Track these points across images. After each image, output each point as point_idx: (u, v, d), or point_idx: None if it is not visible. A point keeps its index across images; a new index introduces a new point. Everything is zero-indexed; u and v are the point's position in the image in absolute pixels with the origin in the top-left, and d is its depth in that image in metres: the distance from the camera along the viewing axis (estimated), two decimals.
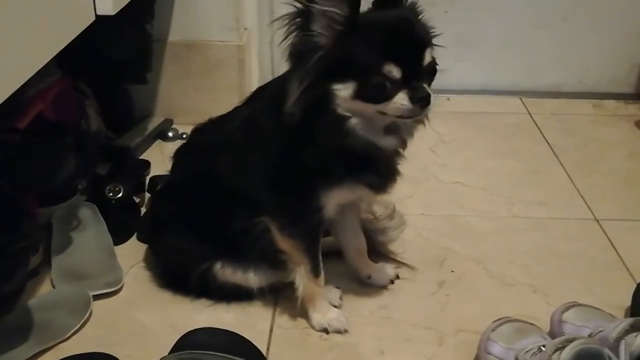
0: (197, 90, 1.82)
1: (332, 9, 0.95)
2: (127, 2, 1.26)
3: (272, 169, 1.08)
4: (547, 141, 1.82)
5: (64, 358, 1.01)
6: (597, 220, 1.47)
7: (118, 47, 1.57)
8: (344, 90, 0.98)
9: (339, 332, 1.14)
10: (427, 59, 0.99)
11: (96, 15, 1.18)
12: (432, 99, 0.99)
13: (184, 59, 1.80)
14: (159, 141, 1.78)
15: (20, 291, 1.05)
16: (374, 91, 0.97)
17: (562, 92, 2.10)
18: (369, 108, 0.99)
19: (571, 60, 2.09)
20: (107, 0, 1.18)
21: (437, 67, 1.03)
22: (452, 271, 1.30)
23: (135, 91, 1.80)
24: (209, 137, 1.18)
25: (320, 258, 1.14)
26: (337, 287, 1.22)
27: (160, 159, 1.69)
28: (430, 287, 1.26)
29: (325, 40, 0.97)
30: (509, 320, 1.07)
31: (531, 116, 1.96)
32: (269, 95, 1.12)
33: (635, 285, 1.18)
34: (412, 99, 0.97)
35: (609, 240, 1.40)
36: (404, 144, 1.10)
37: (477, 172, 1.67)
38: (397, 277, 1.27)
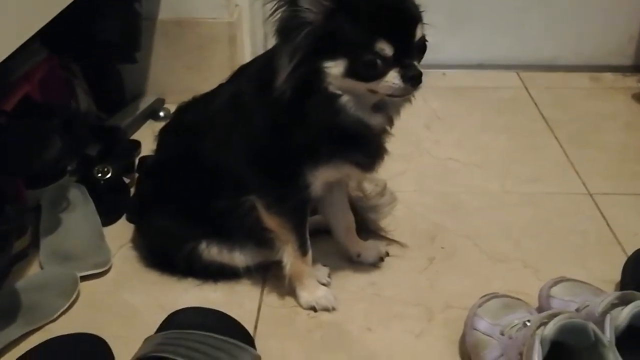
0: (189, 68, 1.80)
1: None
2: None
3: (258, 147, 1.06)
4: (542, 115, 1.80)
5: (51, 339, 1.01)
6: (591, 195, 1.45)
7: (106, 26, 1.55)
8: (334, 68, 0.96)
9: (326, 310, 1.14)
10: (418, 35, 0.98)
11: None
12: (423, 76, 0.97)
13: (175, 37, 1.78)
14: (150, 121, 1.77)
15: (4, 274, 1.05)
16: (365, 69, 0.96)
17: (559, 65, 2.07)
18: (360, 86, 0.98)
19: (568, 33, 2.06)
20: None
21: (427, 43, 1.01)
22: (443, 247, 1.30)
23: (126, 71, 1.78)
24: (193, 116, 1.17)
25: (308, 236, 1.14)
26: (325, 265, 1.21)
27: (151, 139, 1.64)
28: (421, 264, 1.26)
29: (313, 15, 0.95)
30: (496, 295, 1.06)
31: (527, 90, 1.94)
32: (254, 72, 1.10)
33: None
34: (403, 77, 0.96)
35: (602, 214, 1.39)
36: (391, 122, 1.09)
37: (471, 148, 1.65)
38: (387, 254, 1.27)
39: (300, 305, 1.15)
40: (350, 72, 0.97)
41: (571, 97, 1.91)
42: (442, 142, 1.68)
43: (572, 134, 1.70)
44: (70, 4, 1.18)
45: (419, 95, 1.88)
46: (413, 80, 0.97)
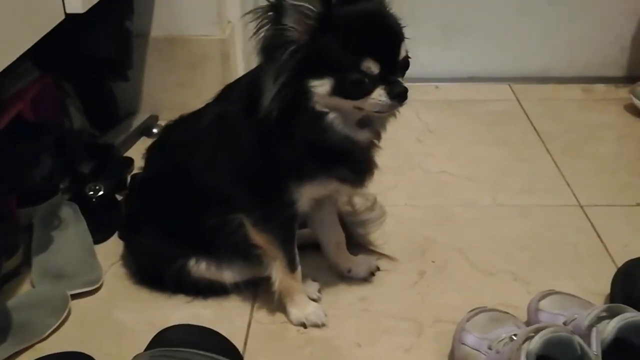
0: (181, 85, 1.81)
1: (304, 4, 0.94)
2: (97, 0, 1.26)
3: (244, 165, 1.07)
4: (534, 127, 1.80)
5: (41, 357, 1.01)
6: (582, 207, 1.45)
7: (97, 45, 1.56)
8: (321, 87, 0.97)
9: (316, 326, 1.14)
10: (403, 53, 0.99)
11: (65, 14, 1.18)
12: (409, 93, 0.98)
13: (167, 55, 1.79)
14: (144, 138, 1.78)
15: None
16: (352, 88, 0.97)
17: (551, 77, 2.08)
18: (347, 104, 0.99)
19: (559, 44, 2.07)
20: None
21: (410, 59, 1.02)
22: (433, 261, 1.30)
23: (119, 88, 1.79)
24: (180, 135, 1.18)
25: (296, 252, 1.14)
26: (315, 281, 1.21)
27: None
28: (411, 278, 1.26)
29: (297, 34, 0.96)
30: (484, 310, 1.06)
31: (519, 102, 1.95)
32: (238, 92, 1.11)
33: None
34: (390, 94, 0.97)
35: (592, 226, 1.39)
36: (377, 136, 1.10)
37: (463, 161, 1.66)
38: (378, 269, 1.27)
39: (291, 322, 1.15)
40: (337, 91, 0.97)
41: (563, 108, 1.92)
42: (434, 155, 1.68)
43: (564, 145, 1.71)
44: (62, 23, 1.19)
45: (411, 109, 1.89)
46: (399, 96, 0.98)
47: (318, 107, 0.99)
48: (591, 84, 2.04)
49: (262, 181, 1.06)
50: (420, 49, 2.05)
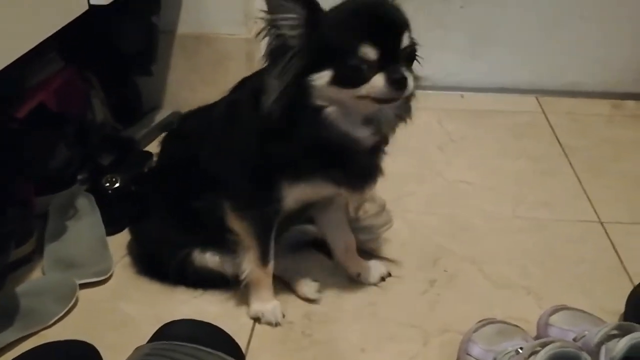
0: (205, 83, 1.82)
1: (285, 16, 0.95)
2: None
3: (242, 154, 1.07)
4: (559, 141, 1.77)
5: (43, 344, 1.01)
6: (602, 223, 1.42)
7: (122, 38, 1.58)
8: (319, 80, 0.97)
9: (270, 324, 1.13)
10: (405, 41, 0.97)
11: (89, 5, 1.19)
12: (410, 82, 0.97)
13: (192, 52, 1.80)
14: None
15: (3, 277, 1.06)
16: (350, 75, 0.96)
17: (581, 91, 2.04)
18: (346, 94, 0.98)
19: (590, 58, 2.03)
20: None
21: (417, 52, 1.01)
22: (445, 270, 1.28)
23: (143, 83, 1.81)
24: (194, 123, 1.19)
25: (272, 246, 1.12)
26: (316, 280, 1.20)
27: None
28: (421, 286, 1.24)
29: (294, 40, 0.96)
30: (492, 321, 1.04)
31: (545, 115, 1.92)
32: (251, 85, 1.11)
33: None
34: (388, 81, 0.95)
35: (612, 243, 1.35)
36: (384, 139, 1.07)
37: (483, 172, 1.63)
38: (389, 274, 1.25)
39: (248, 313, 1.15)
40: (336, 80, 0.97)
41: (590, 123, 1.88)
42: (455, 165, 1.66)
43: (588, 160, 1.67)
44: (89, 15, 1.20)
45: (433, 117, 1.89)
46: (396, 83, 0.96)
47: (318, 102, 0.99)
48: (621, 99, 2.00)
49: (255, 172, 1.06)
50: (448, 58, 2.06)
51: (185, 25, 1.78)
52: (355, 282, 1.24)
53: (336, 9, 0.98)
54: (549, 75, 2.06)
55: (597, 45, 2.02)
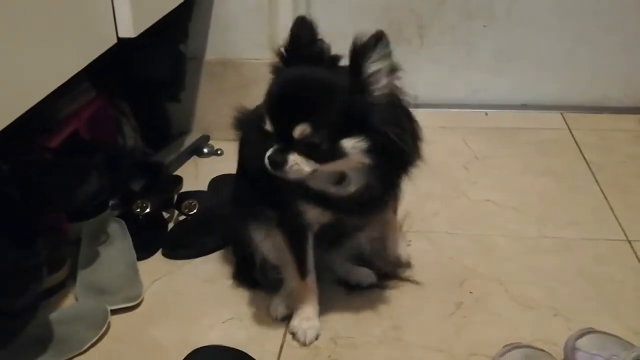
0: (233, 107, 1.83)
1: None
2: (149, 25, 1.30)
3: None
4: (584, 158, 1.76)
5: None
6: (630, 242, 1.41)
7: (151, 67, 1.62)
8: None
9: (298, 342, 1.16)
10: (298, 132, 0.97)
11: (118, 38, 1.23)
12: (287, 166, 0.99)
13: (220, 77, 1.84)
14: (194, 157, 1.83)
15: (34, 307, 1.09)
16: (262, 136, 1.02)
17: (607, 107, 2.03)
18: None
19: (615, 74, 2.02)
20: (128, 24, 1.22)
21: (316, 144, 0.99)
22: (471, 292, 1.28)
23: (173, 108, 1.85)
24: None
25: (309, 260, 1.16)
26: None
27: (194, 175, 1.74)
28: (448, 308, 1.24)
29: None
30: (519, 345, 1.04)
31: (571, 132, 1.91)
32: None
33: None
34: (268, 156, 1.00)
35: None
36: (368, 190, 1.06)
37: (509, 190, 1.63)
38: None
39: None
40: None
41: (617, 140, 1.87)
42: (480, 184, 1.67)
43: (615, 178, 1.66)
44: (118, 45, 1.24)
45: (458, 136, 1.89)
46: (272, 163, 1.00)
47: None
48: None
49: (276, 189, 1.10)
50: (472, 76, 2.06)
51: (212, 51, 1.82)
52: (380, 303, 1.25)
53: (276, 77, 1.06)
54: (574, 92, 2.06)
55: (621, 61, 2.01)
